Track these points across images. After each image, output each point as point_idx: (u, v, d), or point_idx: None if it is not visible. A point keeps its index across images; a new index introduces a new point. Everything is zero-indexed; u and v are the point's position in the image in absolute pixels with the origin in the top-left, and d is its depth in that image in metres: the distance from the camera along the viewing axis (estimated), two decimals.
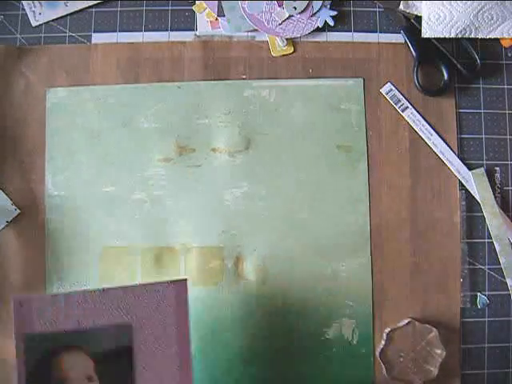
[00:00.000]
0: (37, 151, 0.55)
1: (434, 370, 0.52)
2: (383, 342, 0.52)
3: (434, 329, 0.52)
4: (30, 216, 0.54)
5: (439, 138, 0.55)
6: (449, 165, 0.55)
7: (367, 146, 0.55)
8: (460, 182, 0.55)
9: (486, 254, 0.55)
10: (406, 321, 0.52)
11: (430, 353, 0.52)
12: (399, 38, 0.56)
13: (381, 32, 0.57)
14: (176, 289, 0.47)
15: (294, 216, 0.54)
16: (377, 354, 0.53)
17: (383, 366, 0.52)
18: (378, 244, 0.54)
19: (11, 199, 0.54)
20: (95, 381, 0.44)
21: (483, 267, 0.55)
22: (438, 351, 0.52)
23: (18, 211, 0.54)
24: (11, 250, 0.54)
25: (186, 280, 0.46)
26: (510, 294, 0.54)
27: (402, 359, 0.52)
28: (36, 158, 0.55)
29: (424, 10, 0.54)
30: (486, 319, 0.55)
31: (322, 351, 0.53)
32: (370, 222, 0.55)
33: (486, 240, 0.55)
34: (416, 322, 0.52)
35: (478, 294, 0.55)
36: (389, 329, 0.53)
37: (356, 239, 0.54)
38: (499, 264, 0.54)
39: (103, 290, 0.44)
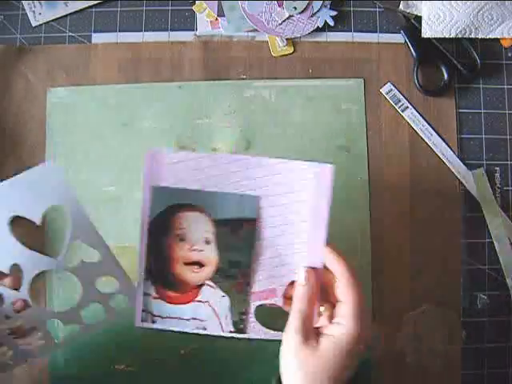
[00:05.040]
0: (37, 151, 0.55)
1: (457, 354, 0.52)
2: (404, 329, 0.52)
3: (454, 312, 0.52)
4: None
5: (439, 138, 0.55)
6: (449, 165, 0.55)
7: (367, 146, 0.55)
8: (460, 182, 0.55)
9: (486, 254, 0.55)
10: (425, 306, 0.53)
11: (452, 336, 0.52)
12: (399, 37, 0.56)
13: (381, 32, 0.57)
14: (317, 173, 0.43)
15: None
16: (398, 341, 0.53)
17: (406, 353, 0.52)
18: (378, 244, 0.54)
19: None
20: (212, 245, 0.45)
21: (483, 267, 0.55)
22: (459, 334, 0.52)
23: None
24: None
25: (332, 166, 0.42)
26: (510, 294, 0.54)
27: (423, 345, 0.52)
28: (36, 157, 0.55)
29: (424, 10, 0.54)
30: (486, 319, 0.55)
31: None
32: (369, 222, 0.54)
33: (486, 240, 0.55)
34: (435, 307, 0.52)
35: (478, 294, 0.55)
36: (408, 315, 0.53)
37: (356, 239, 0.54)
38: (499, 264, 0.54)
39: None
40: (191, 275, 0.46)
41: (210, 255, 0.45)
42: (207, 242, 0.46)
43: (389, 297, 0.54)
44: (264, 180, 0.45)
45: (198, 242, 0.46)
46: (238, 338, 0.47)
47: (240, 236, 0.45)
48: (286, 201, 0.45)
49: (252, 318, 0.47)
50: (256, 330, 0.47)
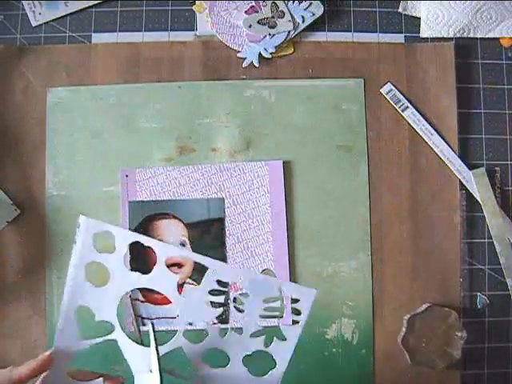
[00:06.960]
0: (37, 151, 0.55)
1: (457, 353, 0.52)
2: (404, 329, 0.52)
3: (454, 312, 0.52)
4: (30, 216, 0.54)
5: (439, 138, 0.55)
6: (449, 165, 0.55)
7: (367, 146, 0.55)
8: (460, 181, 0.55)
9: (486, 254, 0.55)
10: (425, 306, 0.52)
11: (452, 336, 0.52)
12: (399, 37, 0.56)
13: (381, 32, 0.57)
14: (270, 170, 0.52)
15: (294, 216, 0.54)
16: (399, 341, 0.53)
17: (406, 353, 0.52)
18: (378, 244, 0.54)
19: (11, 199, 0.54)
20: (188, 246, 0.52)
21: (483, 267, 0.55)
22: (459, 334, 0.52)
23: (18, 211, 0.54)
24: (11, 250, 0.54)
25: (281, 161, 0.52)
26: (509, 294, 0.54)
27: (423, 345, 0.52)
28: (36, 157, 0.55)
29: (423, 10, 0.54)
30: (486, 319, 0.55)
31: (322, 351, 0.53)
32: (370, 222, 0.54)
33: (486, 240, 0.55)
34: (435, 307, 0.52)
35: (478, 294, 0.55)
36: (408, 315, 0.53)
37: (356, 239, 0.54)
38: (499, 264, 0.54)
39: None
40: None
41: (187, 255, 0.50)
42: (183, 245, 0.52)
43: (389, 297, 0.54)
44: (226, 183, 0.53)
45: (175, 245, 0.52)
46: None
47: (211, 235, 0.52)
48: (247, 198, 0.52)
49: (232, 308, 0.51)
50: (237, 319, 0.50)
